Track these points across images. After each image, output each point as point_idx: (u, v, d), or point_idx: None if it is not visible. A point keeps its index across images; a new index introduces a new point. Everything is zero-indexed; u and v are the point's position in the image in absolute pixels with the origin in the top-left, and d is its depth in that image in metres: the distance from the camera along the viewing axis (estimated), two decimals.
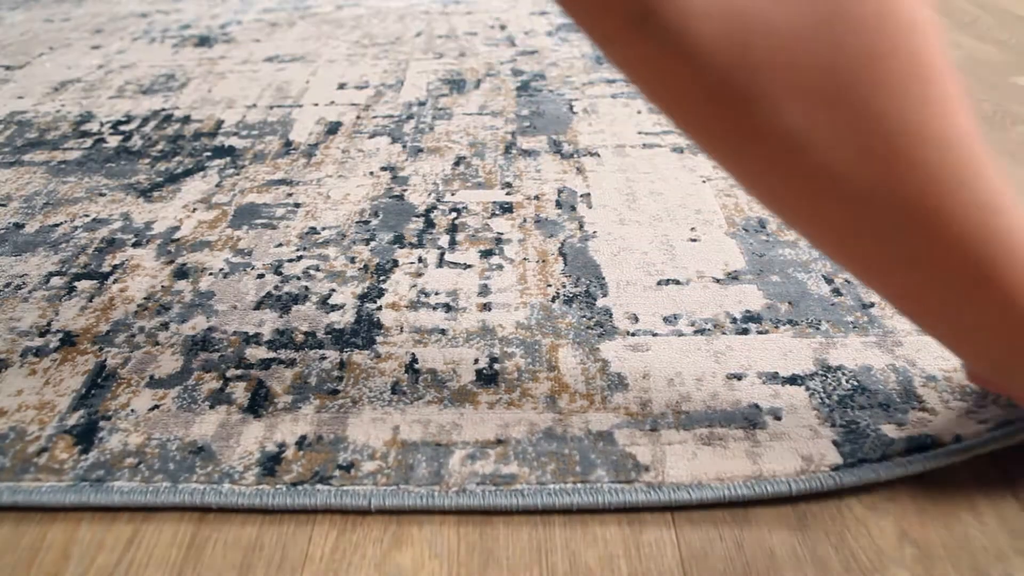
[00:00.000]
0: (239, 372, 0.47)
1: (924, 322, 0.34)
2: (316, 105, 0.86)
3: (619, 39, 0.26)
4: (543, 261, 0.57)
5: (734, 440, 0.41)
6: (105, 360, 0.49)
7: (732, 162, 0.29)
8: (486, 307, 0.53)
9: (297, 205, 0.66)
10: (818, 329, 0.49)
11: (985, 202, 0.29)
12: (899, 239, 0.29)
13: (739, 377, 0.46)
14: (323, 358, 0.48)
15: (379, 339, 0.50)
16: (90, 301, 0.54)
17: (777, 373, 0.46)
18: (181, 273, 0.57)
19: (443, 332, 0.50)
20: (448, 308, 0.52)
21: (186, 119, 0.84)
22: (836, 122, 0.26)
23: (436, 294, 0.54)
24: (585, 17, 0.27)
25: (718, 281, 0.54)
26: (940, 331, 0.34)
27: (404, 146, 0.76)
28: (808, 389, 0.45)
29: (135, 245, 0.61)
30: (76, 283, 0.56)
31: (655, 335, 0.49)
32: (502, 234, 0.61)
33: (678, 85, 0.26)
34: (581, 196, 0.66)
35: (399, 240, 0.60)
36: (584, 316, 0.51)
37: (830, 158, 0.26)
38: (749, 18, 0.24)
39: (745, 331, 0.49)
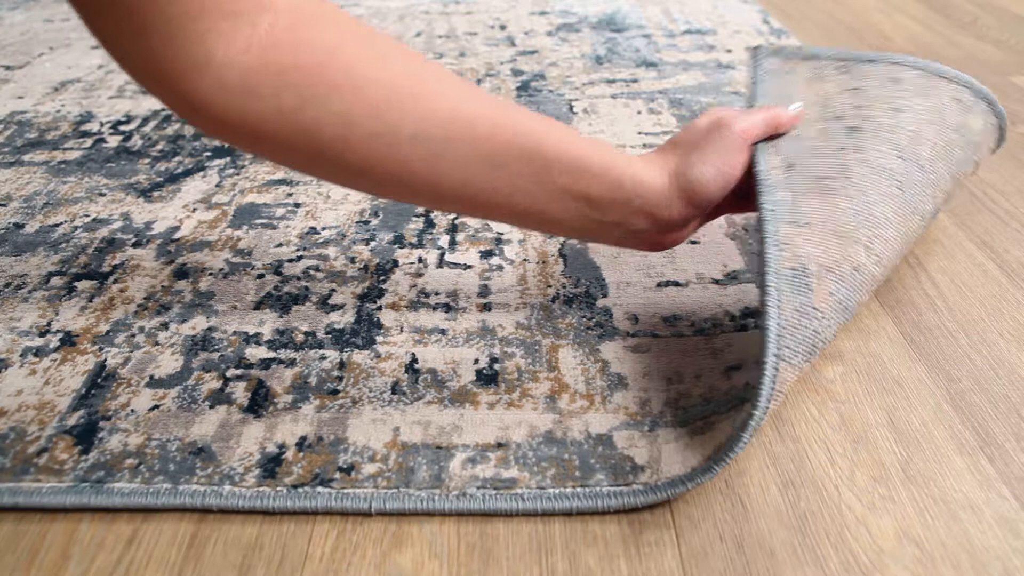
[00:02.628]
0: (239, 372, 0.47)
1: (533, 220, 0.43)
2: None
3: (172, 104, 0.37)
4: (543, 262, 0.57)
5: (727, 421, 0.41)
6: (105, 360, 0.49)
7: (310, 165, 0.40)
8: (486, 307, 0.53)
9: (297, 205, 0.66)
10: None
11: (489, 102, 0.40)
12: (451, 152, 0.39)
13: (737, 368, 0.46)
14: (323, 358, 0.48)
15: (379, 339, 0.50)
16: (90, 301, 0.54)
17: None
18: (181, 273, 0.57)
19: (443, 332, 0.50)
20: (448, 308, 0.52)
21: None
22: (367, 100, 0.37)
23: (436, 294, 0.54)
24: (147, 83, 0.36)
25: (717, 282, 0.54)
26: (544, 214, 0.43)
27: None
28: None
29: (135, 245, 0.61)
30: (76, 283, 0.56)
31: (655, 336, 0.49)
32: (502, 234, 0.61)
33: (221, 134, 0.38)
34: None
35: (399, 240, 0.60)
36: (584, 317, 0.51)
37: (376, 124, 0.37)
38: (246, 103, 0.35)
39: (744, 327, 0.49)
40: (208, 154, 0.76)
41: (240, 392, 0.46)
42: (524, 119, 0.40)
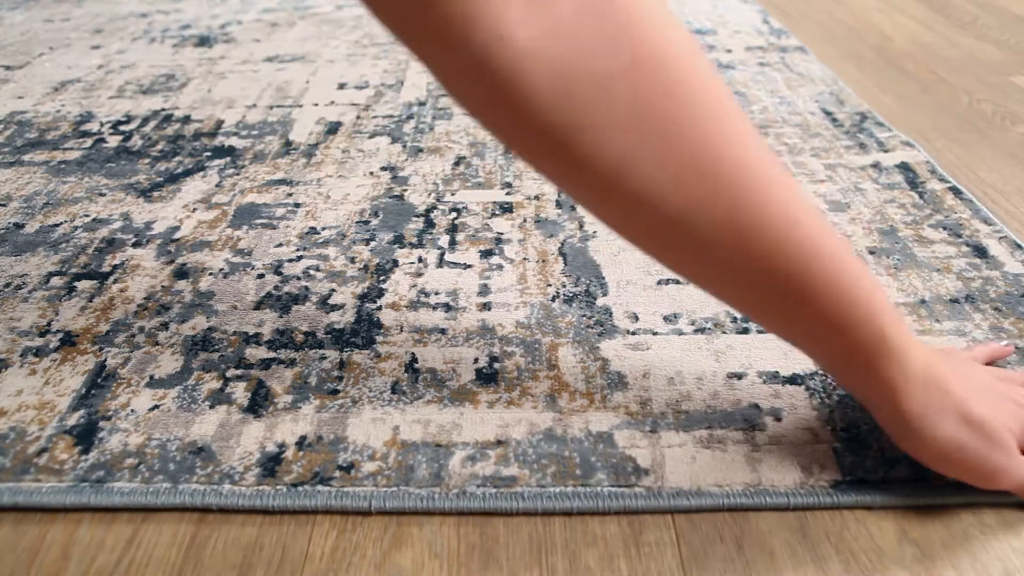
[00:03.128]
0: (239, 372, 0.47)
1: (769, 328, 0.37)
2: (316, 105, 0.86)
3: (457, 80, 0.30)
4: (543, 261, 0.57)
5: (733, 443, 0.41)
6: (105, 360, 0.48)
7: (565, 184, 0.32)
8: (486, 307, 0.53)
9: (297, 205, 0.66)
10: None
11: (787, 216, 0.32)
12: (718, 254, 0.32)
13: (739, 376, 0.46)
14: (323, 358, 0.48)
15: (379, 339, 0.50)
16: (90, 301, 0.54)
17: (777, 373, 0.46)
18: (181, 273, 0.57)
19: (443, 332, 0.50)
20: (448, 308, 0.52)
21: (186, 119, 0.84)
22: (649, 150, 0.29)
23: (436, 294, 0.54)
24: (429, 56, 0.29)
25: None
26: (785, 336, 0.37)
27: (404, 146, 0.76)
28: (808, 389, 0.44)
29: (135, 245, 0.61)
30: (76, 283, 0.56)
31: (655, 334, 0.49)
32: (502, 234, 0.61)
33: (512, 120, 0.30)
34: None
35: (399, 240, 0.60)
36: (584, 315, 0.51)
37: (649, 182, 0.30)
38: (570, 67, 0.28)
39: (745, 330, 0.49)
40: (208, 154, 0.76)
41: (240, 392, 0.46)
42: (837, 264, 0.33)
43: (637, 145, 0.29)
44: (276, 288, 0.55)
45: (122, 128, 0.82)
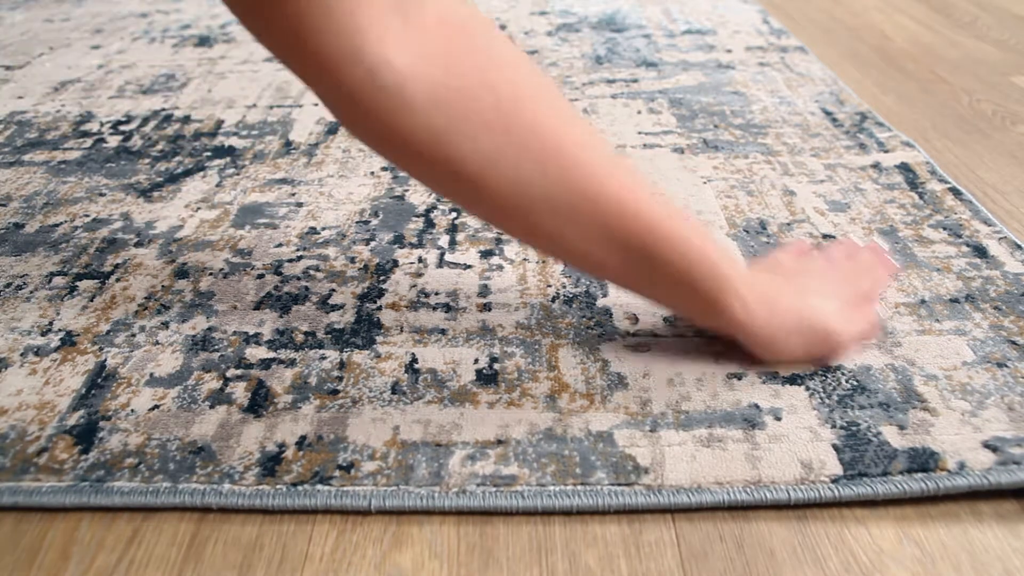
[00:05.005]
0: (239, 372, 0.47)
1: (636, 293, 0.45)
2: (316, 105, 0.86)
3: (346, 102, 0.34)
4: (543, 261, 0.57)
5: (733, 442, 0.41)
6: (105, 360, 0.49)
7: (439, 184, 0.38)
8: (486, 307, 0.53)
9: (300, 204, 0.66)
10: None
11: (630, 186, 0.39)
12: (580, 223, 0.38)
13: (739, 376, 0.46)
14: (323, 358, 0.48)
15: (379, 339, 0.50)
16: (91, 300, 0.54)
17: (776, 373, 0.46)
18: (182, 273, 0.57)
19: (443, 332, 0.50)
20: (448, 308, 0.52)
21: (186, 119, 0.84)
22: (510, 148, 0.36)
23: (436, 294, 0.54)
24: (318, 83, 0.34)
25: None
26: (649, 297, 0.45)
27: None
28: (808, 389, 0.45)
29: (137, 244, 0.61)
30: (78, 283, 0.56)
31: (655, 335, 0.49)
32: (502, 234, 0.61)
33: (393, 131, 0.35)
34: None
35: (399, 240, 0.60)
36: (584, 316, 0.51)
37: (513, 174, 0.36)
38: (444, 85, 0.33)
39: None
40: (208, 154, 0.76)
41: (240, 392, 0.46)
42: (655, 212, 0.40)
43: (502, 145, 0.35)
44: (276, 288, 0.55)
45: (122, 128, 0.82)
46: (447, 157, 0.35)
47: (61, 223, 0.64)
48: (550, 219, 0.38)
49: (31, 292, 0.55)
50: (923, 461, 0.39)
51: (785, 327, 0.44)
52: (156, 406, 0.45)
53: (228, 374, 0.47)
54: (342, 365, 0.48)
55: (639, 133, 0.77)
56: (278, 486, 0.39)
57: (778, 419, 0.42)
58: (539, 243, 0.41)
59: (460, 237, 0.61)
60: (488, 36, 0.36)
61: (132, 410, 0.45)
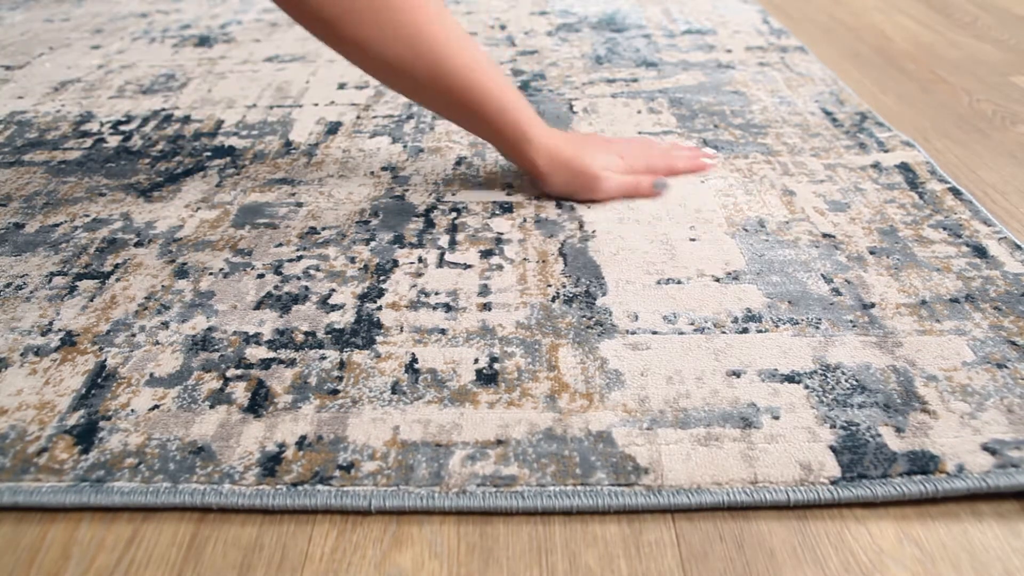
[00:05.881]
0: (239, 372, 0.47)
1: (464, 127, 0.65)
2: (316, 105, 0.87)
3: None
4: (543, 261, 0.57)
5: (731, 441, 0.41)
6: (105, 360, 0.49)
7: (336, 48, 0.57)
8: (486, 307, 0.53)
9: (300, 204, 0.66)
10: (818, 328, 0.49)
11: (466, 69, 0.58)
12: (428, 90, 0.59)
13: (738, 374, 0.46)
14: (323, 358, 0.48)
15: (379, 339, 0.50)
16: (91, 301, 0.54)
17: (776, 371, 0.46)
18: (182, 272, 0.57)
19: (443, 332, 0.50)
20: (448, 308, 0.52)
21: (186, 119, 0.84)
22: (381, 33, 0.54)
23: (436, 294, 0.54)
24: None
25: (718, 280, 0.54)
26: (473, 131, 0.65)
27: (404, 146, 0.76)
28: (807, 387, 0.45)
29: (137, 244, 0.61)
30: (77, 283, 0.56)
31: (655, 333, 0.49)
32: (502, 234, 0.61)
33: (299, 9, 0.54)
34: None
35: (399, 240, 0.60)
36: (584, 316, 0.51)
37: (383, 51, 0.55)
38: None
39: (745, 330, 0.49)
40: (208, 154, 0.76)
41: (240, 392, 0.46)
42: (487, 87, 0.59)
43: (375, 32, 0.54)
44: (276, 288, 0.55)
45: (122, 128, 0.82)
46: (337, 33, 0.55)
47: (61, 223, 0.64)
48: (410, 83, 0.58)
49: (31, 292, 0.55)
50: (922, 464, 0.39)
51: (558, 166, 0.63)
52: (156, 406, 0.45)
53: (228, 374, 0.47)
54: (342, 365, 0.48)
55: (639, 133, 0.77)
56: (278, 486, 0.39)
57: (776, 418, 0.42)
58: (399, 91, 0.61)
59: (460, 237, 0.61)
60: None
61: (132, 410, 0.45)
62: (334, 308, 0.53)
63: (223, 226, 0.63)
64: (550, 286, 0.54)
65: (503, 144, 0.64)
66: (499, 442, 0.42)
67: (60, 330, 0.51)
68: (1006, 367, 0.46)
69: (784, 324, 0.50)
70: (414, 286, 0.55)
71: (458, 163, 0.72)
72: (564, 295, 0.53)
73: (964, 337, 0.48)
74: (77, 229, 0.63)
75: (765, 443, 0.41)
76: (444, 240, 0.60)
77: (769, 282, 0.54)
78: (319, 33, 0.55)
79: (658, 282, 0.54)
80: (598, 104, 0.85)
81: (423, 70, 0.56)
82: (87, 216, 0.65)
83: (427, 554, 0.37)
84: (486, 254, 0.58)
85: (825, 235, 0.59)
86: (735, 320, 0.50)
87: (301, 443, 0.42)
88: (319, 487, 0.39)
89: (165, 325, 0.52)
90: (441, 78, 0.57)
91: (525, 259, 0.58)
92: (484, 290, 0.54)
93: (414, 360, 0.48)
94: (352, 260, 0.58)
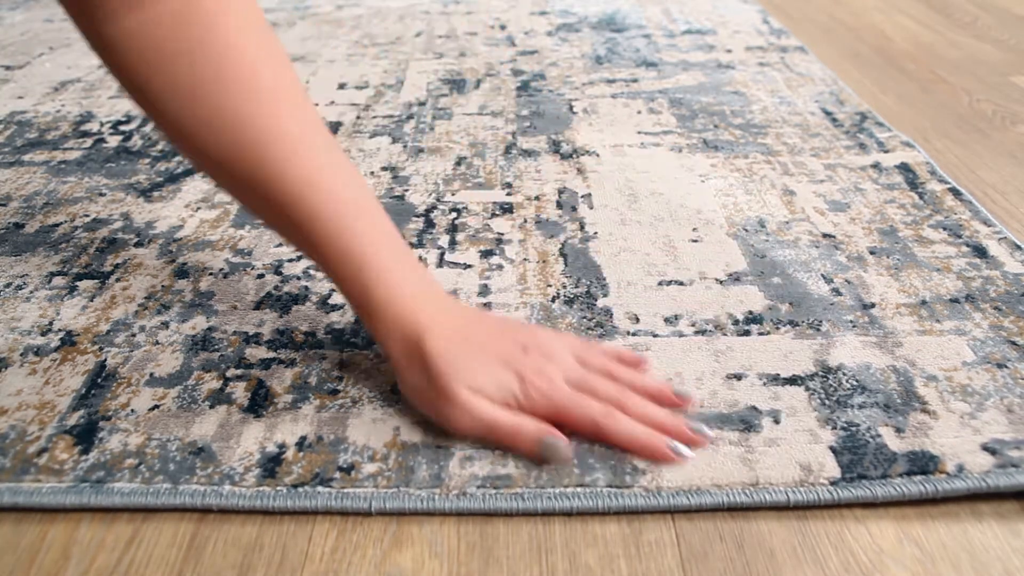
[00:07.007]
0: (239, 372, 0.47)
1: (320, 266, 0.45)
2: (316, 105, 0.86)
3: (91, 37, 0.43)
4: (543, 261, 0.57)
5: (730, 443, 0.41)
6: (105, 360, 0.48)
7: (153, 117, 0.43)
8: (486, 307, 0.53)
9: None
10: (818, 330, 0.49)
11: (299, 180, 0.41)
12: (257, 192, 0.42)
13: (739, 377, 0.46)
14: (323, 358, 0.48)
15: None
16: (91, 300, 0.54)
17: (778, 375, 0.46)
18: (182, 272, 0.57)
19: None
20: None
21: None
22: (198, 114, 0.40)
23: None
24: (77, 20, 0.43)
25: (720, 282, 0.54)
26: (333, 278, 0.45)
27: (404, 146, 0.76)
28: (808, 390, 0.45)
29: (137, 244, 0.61)
30: (77, 283, 0.56)
31: (655, 335, 0.49)
32: (502, 234, 0.61)
33: (116, 71, 0.42)
34: (582, 196, 0.66)
35: None
36: (584, 316, 0.51)
37: (198, 132, 0.41)
38: (154, 51, 0.40)
39: (747, 332, 0.49)
40: None
41: (240, 392, 0.46)
42: (350, 225, 0.42)
43: (192, 111, 0.40)
44: (276, 288, 0.55)
45: (122, 128, 0.82)
46: (152, 105, 0.41)
47: (61, 223, 0.64)
48: (228, 180, 0.43)
49: (31, 292, 0.55)
50: (922, 464, 0.39)
51: (412, 363, 0.42)
52: (156, 406, 0.45)
53: (228, 374, 0.47)
54: (342, 365, 0.48)
55: (639, 133, 0.77)
56: (278, 488, 0.39)
57: (777, 422, 0.42)
58: (224, 189, 0.45)
59: (460, 237, 0.61)
60: (215, 25, 0.40)
61: (132, 410, 0.45)
62: (334, 308, 0.53)
63: (223, 226, 0.63)
64: (550, 286, 0.54)
65: (350, 300, 0.44)
66: None
67: (60, 330, 0.51)
68: (1006, 367, 0.46)
69: (785, 326, 0.50)
70: None
71: (458, 163, 0.72)
72: (564, 296, 0.53)
73: (964, 337, 0.48)
74: (77, 229, 0.63)
75: (765, 446, 0.41)
76: (444, 240, 0.60)
77: (770, 284, 0.54)
78: (127, 90, 0.43)
79: (659, 283, 0.54)
80: (598, 104, 0.85)
81: (245, 169, 0.41)
82: (87, 216, 0.65)
83: (427, 554, 0.37)
84: (486, 254, 0.58)
85: (825, 235, 0.59)
86: (736, 322, 0.50)
87: (301, 444, 0.42)
88: (319, 489, 0.39)
89: (165, 325, 0.52)
90: (263, 184, 0.41)
91: (525, 259, 0.58)
92: (484, 290, 0.54)
93: None
94: None
